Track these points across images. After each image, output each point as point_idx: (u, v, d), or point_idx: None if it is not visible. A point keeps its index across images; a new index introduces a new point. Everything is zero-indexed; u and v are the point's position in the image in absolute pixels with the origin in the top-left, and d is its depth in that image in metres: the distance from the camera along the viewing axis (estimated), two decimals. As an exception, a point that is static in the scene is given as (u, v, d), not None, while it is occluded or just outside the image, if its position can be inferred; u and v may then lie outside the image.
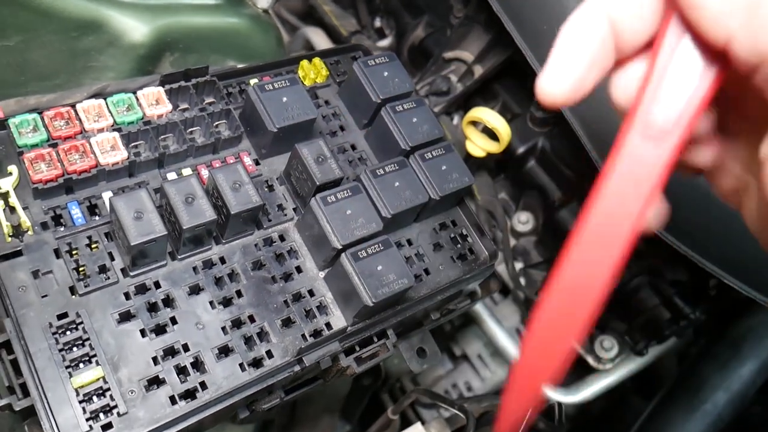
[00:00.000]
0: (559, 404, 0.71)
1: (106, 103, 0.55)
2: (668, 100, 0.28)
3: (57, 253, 0.50)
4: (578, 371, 0.97)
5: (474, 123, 0.82)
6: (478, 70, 0.90)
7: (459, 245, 0.64)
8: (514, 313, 1.00)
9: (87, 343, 0.47)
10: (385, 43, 1.09)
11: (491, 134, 0.81)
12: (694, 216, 0.64)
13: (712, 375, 0.87)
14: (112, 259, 0.51)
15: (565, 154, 0.88)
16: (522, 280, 0.92)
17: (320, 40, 1.08)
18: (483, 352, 1.04)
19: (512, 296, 1.01)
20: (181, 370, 0.49)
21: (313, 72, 0.66)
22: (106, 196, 0.53)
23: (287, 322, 0.54)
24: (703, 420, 0.84)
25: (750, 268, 0.68)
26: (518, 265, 0.94)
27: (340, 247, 0.54)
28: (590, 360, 0.91)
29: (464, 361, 1.06)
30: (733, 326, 0.90)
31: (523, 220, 0.94)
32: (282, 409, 0.83)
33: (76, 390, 0.46)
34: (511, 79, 0.94)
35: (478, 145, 0.82)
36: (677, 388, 0.86)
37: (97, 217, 0.52)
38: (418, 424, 0.71)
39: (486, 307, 0.95)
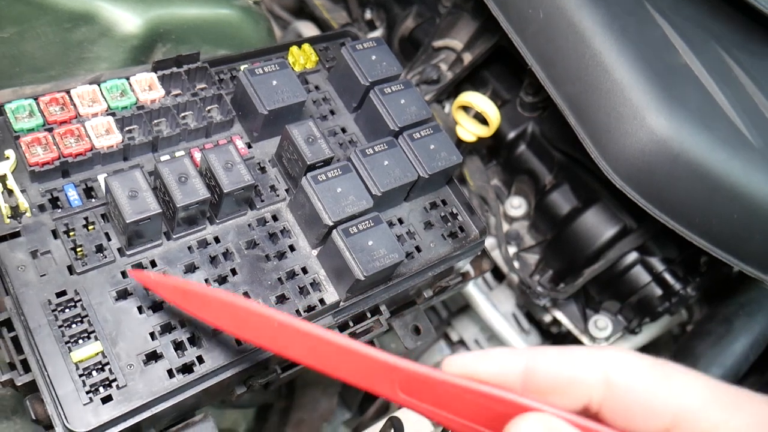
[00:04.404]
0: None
1: (100, 89, 0.56)
2: None
3: (55, 233, 0.51)
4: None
5: (464, 108, 0.84)
6: (468, 58, 0.91)
7: (449, 223, 0.65)
8: (509, 297, 1.01)
9: (86, 319, 0.49)
10: (376, 34, 1.10)
11: (481, 119, 0.83)
12: (683, 191, 0.65)
13: (706, 352, 0.88)
14: (109, 239, 0.52)
15: (555, 138, 0.90)
16: (516, 264, 0.93)
17: (312, 34, 1.10)
18: (480, 337, 1.05)
19: (507, 281, 1.02)
20: (179, 345, 0.51)
21: (302, 58, 0.68)
22: (102, 178, 0.54)
23: (281, 299, 0.55)
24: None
25: (740, 241, 0.69)
26: (512, 250, 0.95)
27: (331, 223, 0.55)
28: (585, 340, 0.92)
29: (461, 346, 1.07)
30: (725, 303, 0.91)
31: (516, 205, 0.95)
32: (281, 393, 0.84)
33: (76, 364, 0.47)
34: (500, 65, 0.96)
35: (469, 130, 0.84)
36: (671, 366, 0.87)
37: (93, 200, 0.54)
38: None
39: (481, 292, 0.96)
